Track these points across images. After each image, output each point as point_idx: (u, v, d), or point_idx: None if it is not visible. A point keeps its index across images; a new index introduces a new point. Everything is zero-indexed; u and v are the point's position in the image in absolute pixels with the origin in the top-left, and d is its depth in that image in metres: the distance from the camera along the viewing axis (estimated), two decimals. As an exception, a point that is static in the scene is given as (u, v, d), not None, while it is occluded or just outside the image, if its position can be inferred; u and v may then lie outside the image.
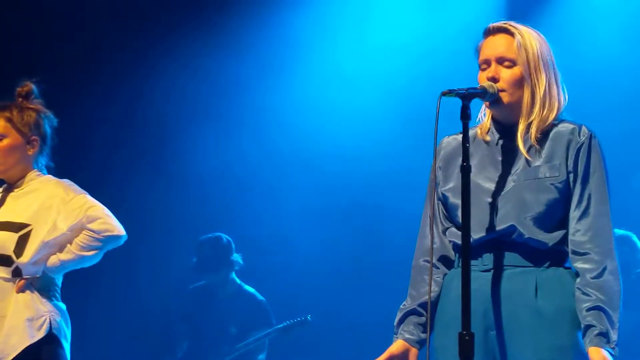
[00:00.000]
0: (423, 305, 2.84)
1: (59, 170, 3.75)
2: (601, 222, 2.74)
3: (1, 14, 6.03)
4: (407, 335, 2.83)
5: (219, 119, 6.32)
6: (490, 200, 2.79)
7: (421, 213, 2.93)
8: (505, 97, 2.77)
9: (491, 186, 2.81)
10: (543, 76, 2.82)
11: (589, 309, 2.63)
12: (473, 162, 2.79)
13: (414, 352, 2.84)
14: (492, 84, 2.76)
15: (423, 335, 2.84)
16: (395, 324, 2.89)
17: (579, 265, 2.70)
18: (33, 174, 3.65)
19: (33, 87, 3.70)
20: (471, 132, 2.86)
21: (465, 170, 2.61)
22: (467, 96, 2.67)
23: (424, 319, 2.86)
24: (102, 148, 6.08)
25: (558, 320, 2.69)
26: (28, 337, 3.47)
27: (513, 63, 2.78)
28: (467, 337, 2.53)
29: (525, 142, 2.79)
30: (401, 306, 2.88)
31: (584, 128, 2.79)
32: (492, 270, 2.75)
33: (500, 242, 2.75)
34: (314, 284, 5.83)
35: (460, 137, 2.73)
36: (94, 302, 4.74)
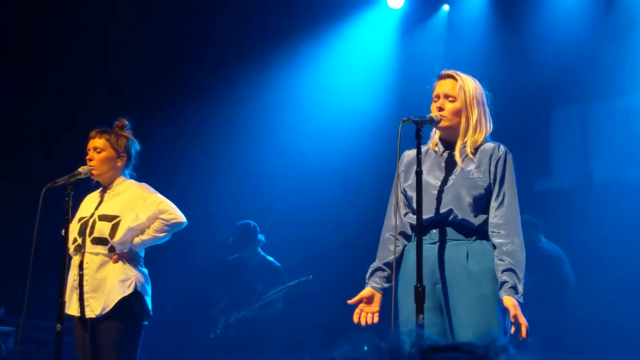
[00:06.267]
0: (386, 264, 3.03)
1: (157, 179, 4.07)
2: (512, 211, 2.93)
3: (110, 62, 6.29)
4: (374, 284, 3.04)
5: (249, 142, 6.52)
6: (436, 192, 2.97)
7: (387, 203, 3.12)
8: (446, 122, 2.98)
9: (437, 183, 2.99)
10: (475, 110, 2.98)
11: (503, 270, 2.84)
12: (425, 167, 2.99)
13: (378, 296, 3.03)
14: (437, 113, 2.95)
15: (385, 285, 3.02)
16: (367, 277, 3.07)
17: (496, 240, 2.90)
18: (120, 179, 3.85)
19: (126, 122, 3.91)
20: (425, 147, 3.04)
21: (419, 174, 2.87)
22: (419, 123, 2.91)
23: (386, 273, 3.03)
24: (174, 163, 6.26)
25: (482, 277, 2.89)
26: (121, 293, 3.67)
27: (454, 99, 2.98)
28: (420, 288, 2.80)
29: (461, 154, 2.98)
30: (371, 265, 3.07)
31: (502, 147, 3.00)
32: (437, 243, 2.94)
33: (442, 222, 2.94)
34: (314, 255, 5.96)
35: (412, 152, 3.02)
36: (165, 268, 4.68)
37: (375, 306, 3.02)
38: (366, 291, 3.03)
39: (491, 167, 2.96)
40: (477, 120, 2.99)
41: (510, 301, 2.80)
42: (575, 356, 5.02)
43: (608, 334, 5.25)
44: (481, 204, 2.95)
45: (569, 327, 5.19)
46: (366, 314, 3.00)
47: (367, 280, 3.07)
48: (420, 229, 2.85)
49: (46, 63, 6.29)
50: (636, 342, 5.15)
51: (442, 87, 3.01)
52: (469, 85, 3.00)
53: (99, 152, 3.79)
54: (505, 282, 2.83)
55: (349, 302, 3.01)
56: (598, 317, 5.31)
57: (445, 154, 3.03)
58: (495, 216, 2.93)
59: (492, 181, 2.96)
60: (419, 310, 2.77)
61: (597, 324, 5.29)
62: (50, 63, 6.27)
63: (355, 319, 2.98)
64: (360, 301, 3.01)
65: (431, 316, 2.87)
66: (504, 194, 2.95)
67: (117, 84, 6.28)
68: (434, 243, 2.94)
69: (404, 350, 0.67)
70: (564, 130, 6.12)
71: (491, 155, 2.97)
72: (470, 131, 2.99)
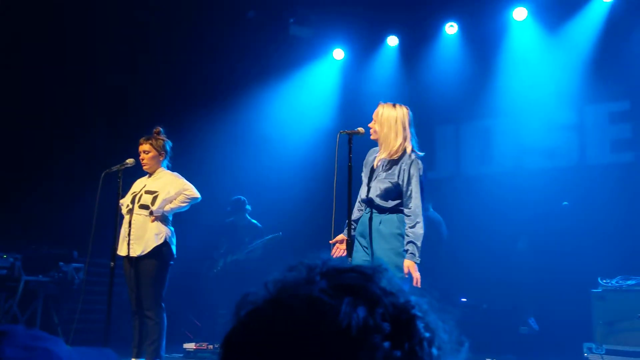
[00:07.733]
0: (354, 220, 3.12)
1: (178, 167, 4.05)
2: (416, 201, 3.00)
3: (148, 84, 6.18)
4: (345, 232, 3.12)
5: (242, 144, 6.65)
6: (369, 183, 3.11)
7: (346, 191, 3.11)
8: (373, 136, 3.09)
9: (371, 176, 3.11)
10: (385, 128, 3.03)
11: (408, 242, 2.94)
12: (372, 165, 3.10)
13: (346, 240, 3.09)
14: (368, 129, 3.04)
15: (353, 233, 3.10)
16: (344, 227, 3.14)
17: (406, 221, 2.97)
18: (160, 169, 3.94)
19: (160, 129, 3.94)
20: (377, 149, 3.16)
21: (350, 168, 3.01)
22: (350, 134, 3.06)
23: (354, 226, 3.11)
24: (193, 157, 5.92)
25: (390, 237, 3.01)
26: (155, 242, 3.76)
27: (376, 121, 3.06)
28: (350, 241, 3.04)
29: (384, 159, 3.07)
30: (347, 220, 3.13)
31: (412, 155, 3.04)
32: (368, 214, 3.08)
33: (369, 203, 3.08)
34: (283, 219, 5.95)
35: (375, 150, 3.09)
36: (185, 227, 4.33)
37: (344, 246, 3.09)
38: (341, 236, 3.12)
39: (401, 171, 3.01)
40: (385, 135, 3.03)
41: (407, 262, 2.92)
42: (442, 290, 4.94)
43: (466, 272, 5.49)
44: (392, 194, 3.04)
45: (441, 270, 5.29)
46: (339, 251, 3.05)
47: (343, 229, 3.13)
48: (350, 207, 3.05)
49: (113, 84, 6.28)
50: (482, 277, 5.36)
51: (375, 112, 3.08)
52: (386, 111, 3.04)
53: (147, 154, 3.89)
54: (407, 249, 2.93)
55: (330, 242, 3.09)
56: (460, 262, 5.52)
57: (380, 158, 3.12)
58: (406, 205, 3.01)
59: (401, 181, 3.01)
60: (349, 254, 2.99)
61: (460, 267, 5.49)
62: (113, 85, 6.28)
63: (332, 253, 3.04)
64: (336, 242, 3.10)
65: (362, 254, 3.04)
66: (411, 190, 3.01)
67: (155, 99, 6.35)
68: (367, 214, 3.08)
69: (317, 271, 0.62)
70: (444, 139, 6.32)
71: (403, 163, 3.02)
72: (385, 144, 3.05)
